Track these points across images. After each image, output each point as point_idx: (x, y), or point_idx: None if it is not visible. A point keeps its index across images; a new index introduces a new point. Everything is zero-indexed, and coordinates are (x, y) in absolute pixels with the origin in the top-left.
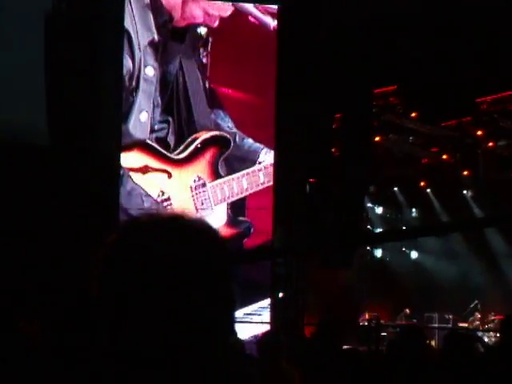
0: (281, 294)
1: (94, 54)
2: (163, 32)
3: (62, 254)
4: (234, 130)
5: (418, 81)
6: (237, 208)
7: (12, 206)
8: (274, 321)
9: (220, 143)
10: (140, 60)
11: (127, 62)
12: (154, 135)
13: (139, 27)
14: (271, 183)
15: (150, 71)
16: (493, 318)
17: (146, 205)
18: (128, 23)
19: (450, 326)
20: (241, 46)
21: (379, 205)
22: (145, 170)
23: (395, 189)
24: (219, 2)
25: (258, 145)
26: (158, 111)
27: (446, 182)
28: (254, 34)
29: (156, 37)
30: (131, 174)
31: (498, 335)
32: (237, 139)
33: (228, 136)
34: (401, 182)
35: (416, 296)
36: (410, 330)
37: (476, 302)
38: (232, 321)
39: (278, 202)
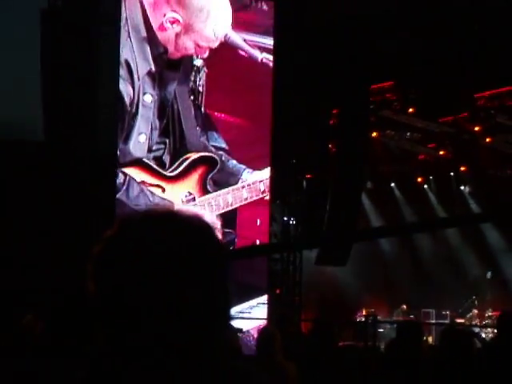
0: (277, 290)
1: (91, 52)
2: (159, 63)
3: (59, 252)
4: (221, 152)
5: (416, 77)
6: (225, 220)
7: (8, 203)
8: (270, 317)
9: (208, 163)
10: (139, 88)
11: (128, 90)
12: (152, 155)
13: (138, 59)
14: (254, 199)
15: (148, 98)
16: (490, 314)
17: (156, 200)
18: (128, 55)
19: (447, 321)
20: (233, 74)
21: (376, 201)
22: (142, 184)
23: (392, 185)
24: (209, 35)
25: (240, 165)
26: (156, 133)
27: (444, 178)
28: (244, 64)
29: (153, 67)
30: (133, 175)
31: (495, 331)
32: (223, 159)
33: (215, 156)
34: (398, 177)
35: (413, 292)
36: (407, 326)
37: (473, 297)
38: (228, 316)
39: (275, 198)
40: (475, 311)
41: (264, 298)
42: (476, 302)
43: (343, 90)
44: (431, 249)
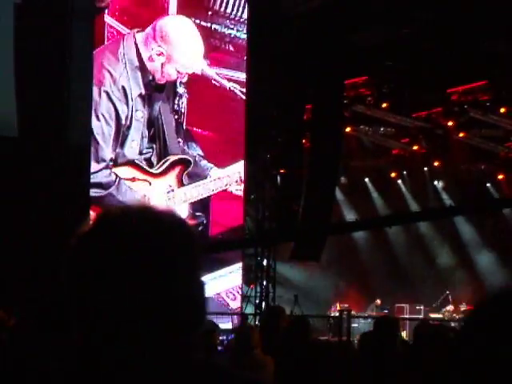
0: (252, 286)
1: (65, 46)
2: (148, 87)
3: (33, 248)
4: (195, 154)
5: (389, 72)
6: (198, 205)
7: None
8: (243, 311)
9: (184, 163)
10: (132, 107)
11: (123, 108)
12: (143, 156)
13: (132, 84)
14: (218, 190)
15: (139, 114)
16: (464, 308)
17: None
18: (124, 81)
19: (421, 316)
20: (208, 99)
21: (350, 195)
22: (133, 179)
23: (366, 179)
24: (186, 63)
25: (209, 165)
26: (145, 140)
27: (417, 173)
28: (216, 91)
29: (143, 91)
30: (123, 181)
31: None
32: (196, 160)
33: (190, 158)
34: (372, 172)
35: (387, 286)
36: (384, 322)
37: (447, 292)
38: (204, 311)
39: (249, 193)
40: (450, 306)
41: (235, 267)
42: (450, 297)
43: (317, 85)
44: (404, 242)
